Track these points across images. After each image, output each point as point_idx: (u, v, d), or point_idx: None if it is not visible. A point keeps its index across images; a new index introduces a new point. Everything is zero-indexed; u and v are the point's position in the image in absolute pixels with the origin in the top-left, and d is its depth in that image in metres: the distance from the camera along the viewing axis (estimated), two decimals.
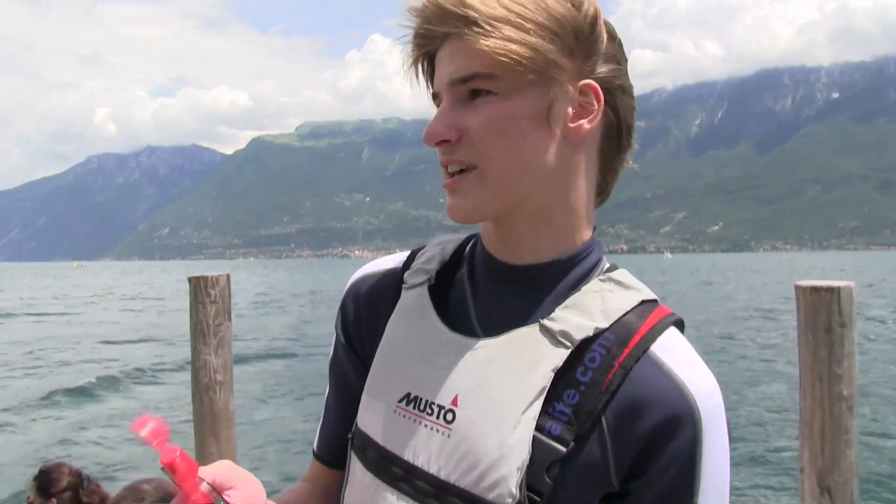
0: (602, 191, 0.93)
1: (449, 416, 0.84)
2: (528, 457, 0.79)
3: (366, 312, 1.00)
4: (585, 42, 0.84)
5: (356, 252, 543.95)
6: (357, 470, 0.92)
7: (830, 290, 3.03)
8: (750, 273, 75.21)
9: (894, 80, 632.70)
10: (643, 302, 0.88)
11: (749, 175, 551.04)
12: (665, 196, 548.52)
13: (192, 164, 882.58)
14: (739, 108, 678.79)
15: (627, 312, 0.85)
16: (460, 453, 0.82)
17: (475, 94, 0.82)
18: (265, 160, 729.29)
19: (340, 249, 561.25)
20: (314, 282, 72.33)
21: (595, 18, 0.84)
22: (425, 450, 0.84)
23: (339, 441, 0.99)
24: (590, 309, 0.85)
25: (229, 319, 4.18)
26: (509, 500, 0.78)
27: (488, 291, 0.91)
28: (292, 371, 16.16)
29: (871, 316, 24.68)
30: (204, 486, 0.73)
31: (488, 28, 0.79)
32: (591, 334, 0.83)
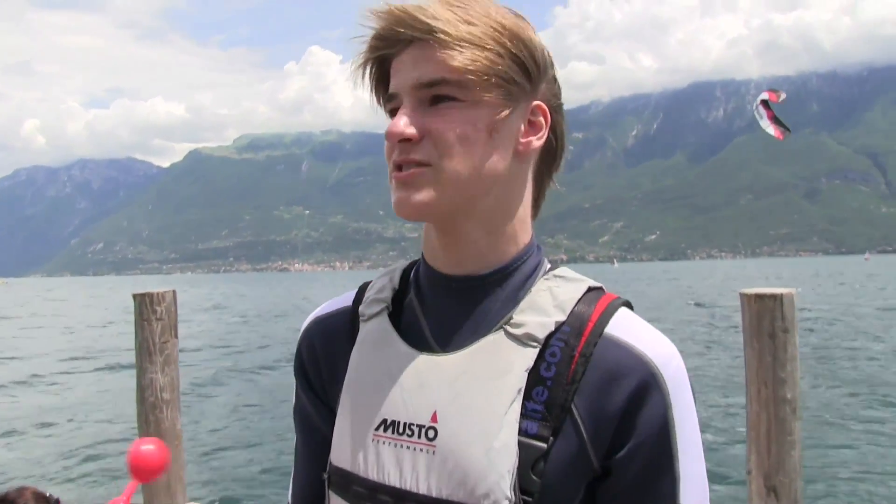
0: (535, 206, 0.97)
1: (431, 434, 0.84)
2: (517, 458, 0.81)
3: (323, 355, 1.00)
4: (540, 65, 0.89)
5: (296, 265, 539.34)
6: None
7: (773, 296, 3.10)
8: (700, 279, 76.95)
9: (816, 94, 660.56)
10: (590, 289, 0.91)
11: (684, 184, 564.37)
12: (603, 206, 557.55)
13: (128, 177, 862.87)
14: (674, 119, 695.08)
15: (578, 302, 0.88)
16: (449, 468, 0.82)
17: (437, 99, 0.85)
18: (203, 173, 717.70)
19: (280, 263, 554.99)
20: (257, 296, 71.35)
21: (544, 45, 0.90)
22: (412, 471, 0.84)
23: (314, 488, 0.98)
24: (544, 306, 0.88)
25: (176, 336, 4.11)
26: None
27: (437, 308, 0.93)
28: (240, 387, 15.93)
29: (804, 318, 25.49)
30: None
31: (457, 41, 0.82)
32: (553, 329, 0.86)
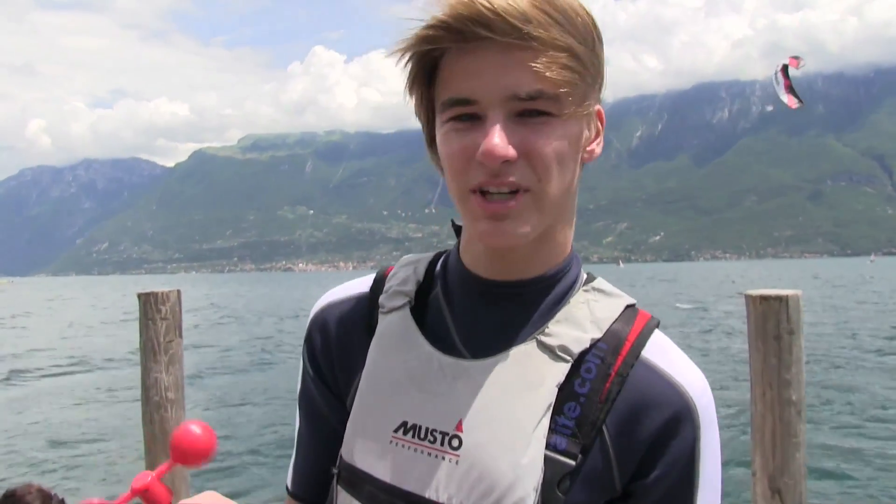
0: None
1: (455, 442, 0.81)
2: (542, 475, 0.79)
3: (336, 343, 0.97)
4: (602, 70, 0.85)
5: (300, 265, 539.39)
6: None
7: (779, 298, 3.09)
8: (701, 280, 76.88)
9: (822, 95, 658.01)
10: (626, 307, 0.89)
11: (689, 186, 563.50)
12: (607, 207, 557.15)
13: (132, 177, 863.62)
14: (679, 120, 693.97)
15: (616, 320, 0.87)
16: (473, 479, 0.80)
17: (528, 112, 0.78)
18: (207, 173, 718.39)
19: (284, 263, 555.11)
20: (261, 295, 71.48)
21: (601, 39, 0.84)
22: (432, 479, 0.81)
23: (316, 477, 0.96)
24: (581, 321, 0.86)
25: (180, 336, 4.11)
26: None
27: (467, 310, 0.89)
28: (245, 386, 15.97)
29: (808, 322, 25.43)
30: None
31: (552, 48, 0.77)
32: (588, 346, 0.84)
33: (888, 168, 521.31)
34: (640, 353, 0.84)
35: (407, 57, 0.82)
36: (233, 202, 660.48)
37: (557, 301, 0.88)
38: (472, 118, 0.79)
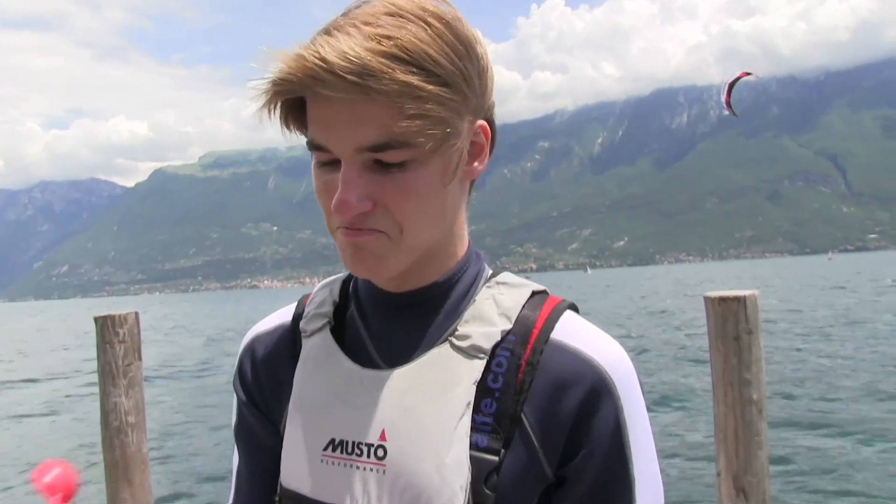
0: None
1: (380, 453, 0.81)
2: (469, 473, 0.78)
3: (264, 370, 0.97)
4: (480, 82, 0.82)
5: (265, 282, 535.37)
6: None
7: (737, 299, 3.13)
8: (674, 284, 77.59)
9: (776, 98, 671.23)
10: (534, 294, 0.89)
11: (651, 190, 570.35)
12: (571, 214, 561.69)
13: (91, 198, 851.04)
14: (639, 126, 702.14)
15: (523, 307, 0.86)
16: (400, 487, 0.79)
17: (384, 162, 0.77)
18: (168, 192, 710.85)
19: (249, 280, 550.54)
20: (225, 314, 70.65)
21: (475, 54, 0.80)
22: (364, 493, 0.81)
23: None
24: (488, 315, 0.86)
25: (139, 359, 4.05)
26: None
27: (380, 323, 0.90)
28: (208, 409, 15.69)
29: (768, 319, 25.74)
30: None
31: (398, 96, 0.73)
32: (500, 338, 0.83)
33: (842, 167, 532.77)
34: (548, 336, 0.83)
35: (272, 108, 0.79)
36: (195, 220, 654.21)
37: (460, 300, 0.89)
38: (332, 161, 0.80)
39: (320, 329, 0.92)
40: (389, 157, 0.76)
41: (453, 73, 0.76)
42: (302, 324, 0.94)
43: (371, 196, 0.77)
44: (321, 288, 0.99)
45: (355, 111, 0.74)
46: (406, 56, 0.73)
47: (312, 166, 0.82)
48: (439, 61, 0.75)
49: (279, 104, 0.80)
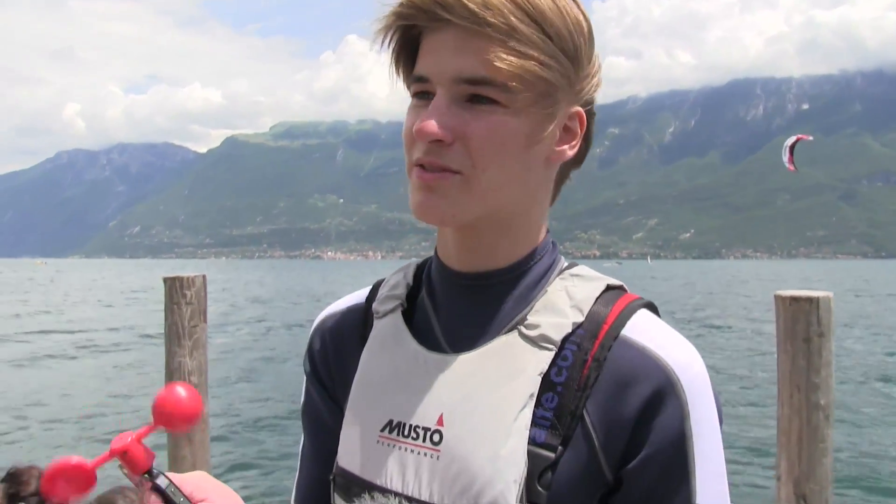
0: (551, 200, 0.93)
1: (436, 437, 0.81)
2: (525, 467, 0.76)
3: (333, 350, 0.98)
4: (583, 69, 0.83)
5: (329, 253, 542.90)
6: None
7: (809, 300, 3.03)
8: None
9: (860, 94, 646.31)
10: (609, 288, 0.86)
11: (720, 183, 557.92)
12: (638, 202, 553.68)
13: (165, 161, 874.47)
14: (713, 116, 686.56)
15: (596, 301, 0.84)
16: (453, 474, 0.78)
17: (476, 97, 0.78)
18: (239, 159, 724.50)
19: (313, 251, 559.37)
20: (289, 282, 71.89)
21: (592, 44, 0.83)
22: (415, 476, 0.80)
23: (319, 490, 0.95)
24: (560, 306, 0.84)
25: (205, 321, 4.11)
26: None
27: (448, 306, 0.90)
28: (269, 373, 16.05)
29: (841, 324, 25.03)
30: (161, 480, 0.67)
31: (507, 37, 0.75)
32: (570, 331, 0.81)
33: None
34: (618, 333, 0.81)
35: (388, 36, 0.83)
36: (264, 189, 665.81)
37: (532, 288, 0.87)
38: (428, 95, 0.81)
39: (392, 311, 0.92)
40: (483, 90, 0.77)
41: (566, 43, 0.79)
42: (375, 305, 0.95)
43: (454, 130, 0.78)
44: (396, 272, 0.99)
45: (465, 41, 0.76)
46: (528, 7, 0.75)
47: (408, 109, 0.83)
48: (556, 26, 0.77)
49: (395, 38, 0.83)
